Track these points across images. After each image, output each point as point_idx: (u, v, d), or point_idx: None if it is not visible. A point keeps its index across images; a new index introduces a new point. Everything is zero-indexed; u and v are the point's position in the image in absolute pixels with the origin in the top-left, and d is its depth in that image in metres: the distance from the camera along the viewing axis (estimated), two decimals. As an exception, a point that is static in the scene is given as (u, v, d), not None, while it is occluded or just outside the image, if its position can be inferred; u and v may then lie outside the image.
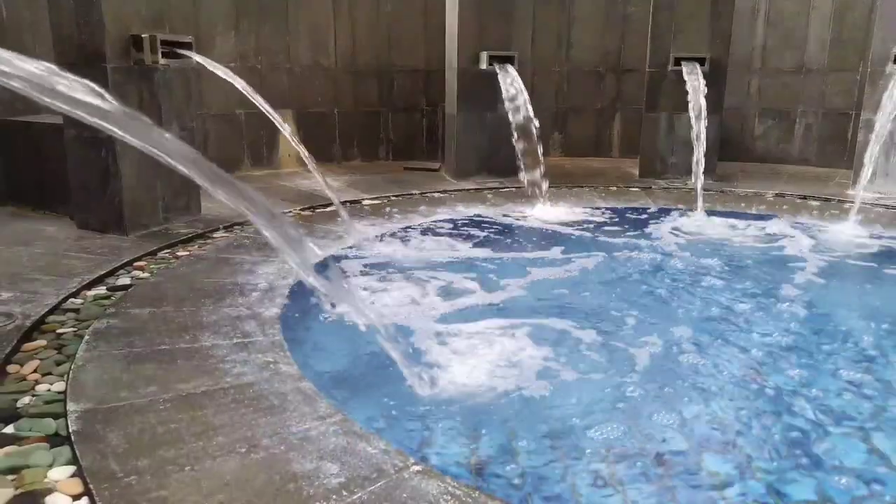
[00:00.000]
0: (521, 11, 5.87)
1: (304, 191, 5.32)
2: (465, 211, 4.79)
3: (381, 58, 6.86)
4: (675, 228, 4.46)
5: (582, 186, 5.71)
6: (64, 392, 2.03)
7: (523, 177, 5.23)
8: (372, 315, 2.24)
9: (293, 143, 4.16)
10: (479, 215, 4.71)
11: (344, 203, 4.50)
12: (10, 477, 1.64)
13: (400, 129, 7.10)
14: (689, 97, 5.34)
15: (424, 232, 4.26)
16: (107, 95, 1.71)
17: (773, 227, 4.47)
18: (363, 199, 5.06)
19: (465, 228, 4.38)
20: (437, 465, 1.79)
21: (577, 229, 4.42)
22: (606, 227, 4.49)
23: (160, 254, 3.52)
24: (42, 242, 3.63)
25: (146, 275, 3.17)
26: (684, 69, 5.54)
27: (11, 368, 2.21)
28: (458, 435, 2.00)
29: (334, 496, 1.53)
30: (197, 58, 3.96)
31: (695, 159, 5.17)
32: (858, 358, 2.59)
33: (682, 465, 1.89)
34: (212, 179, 1.85)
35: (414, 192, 5.36)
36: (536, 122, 5.26)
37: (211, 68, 3.90)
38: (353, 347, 2.58)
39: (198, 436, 1.77)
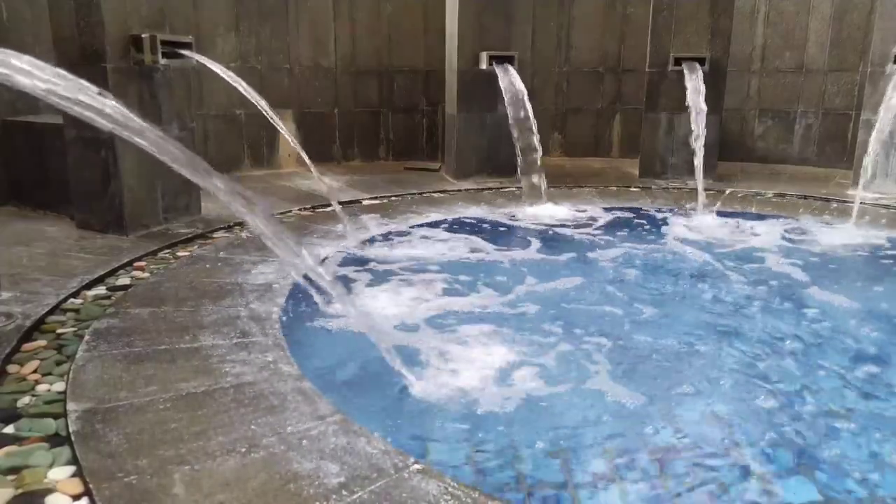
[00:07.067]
0: (521, 12, 5.87)
1: (303, 191, 5.32)
2: (464, 211, 4.79)
3: (381, 58, 6.86)
4: (676, 228, 4.46)
5: (582, 187, 5.70)
6: (64, 392, 2.03)
7: (523, 177, 5.23)
8: (368, 319, 2.24)
9: (292, 143, 4.17)
10: (478, 215, 4.71)
11: (344, 203, 4.50)
12: (10, 477, 1.64)
13: (400, 129, 7.10)
14: (688, 97, 5.34)
15: (424, 232, 4.26)
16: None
17: (773, 226, 4.47)
18: (363, 199, 5.06)
19: (465, 229, 4.38)
20: (434, 465, 1.79)
21: (576, 230, 4.42)
22: (606, 228, 4.49)
23: (160, 254, 3.52)
24: (42, 242, 3.63)
25: (146, 275, 3.17)
26: (685, 69, 5.55)
27: (11, 368, 2.21)
28: (456, 435, 2.00)
29: (334, 496, 1.53)
30: (197, 58, 3.96)
31: (695, 159, 5.17)
32: (860, 357, 2.59)
33: (684, 467, 1.89)
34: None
35: (414, 192, 5.36)
36: (535, 123, 5.26)
37: (211, 68, 3.90)
38: (352, 346, 2.57)
39: (198, 435, 1.77)
